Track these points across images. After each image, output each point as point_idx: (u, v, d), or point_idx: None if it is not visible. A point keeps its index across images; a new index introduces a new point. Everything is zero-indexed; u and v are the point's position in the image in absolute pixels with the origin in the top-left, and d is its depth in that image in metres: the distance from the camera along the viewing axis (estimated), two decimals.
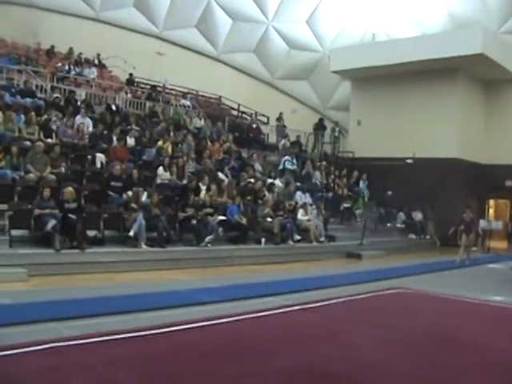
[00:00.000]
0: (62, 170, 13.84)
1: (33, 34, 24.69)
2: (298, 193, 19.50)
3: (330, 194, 21.88)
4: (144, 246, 12.81)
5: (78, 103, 18.99)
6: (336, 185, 22.87)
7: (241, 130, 24.55)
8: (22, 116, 15.09)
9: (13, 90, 17.66)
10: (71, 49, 24.96)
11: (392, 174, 23.55)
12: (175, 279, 11.45)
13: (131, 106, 22.11)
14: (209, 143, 20.06)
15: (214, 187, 16.15)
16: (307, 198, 19.45)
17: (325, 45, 31.42)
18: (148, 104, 22.68)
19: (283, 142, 24.31)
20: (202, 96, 28.81)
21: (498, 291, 12.50)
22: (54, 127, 15.77)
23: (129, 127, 18.17)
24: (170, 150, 17.59)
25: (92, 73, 23.39)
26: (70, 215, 11.79)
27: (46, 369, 5.43)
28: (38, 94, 18.70)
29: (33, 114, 15.14)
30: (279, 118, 26.50)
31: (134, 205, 13.28)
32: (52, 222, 11.27)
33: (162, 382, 5.41)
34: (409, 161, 24.55)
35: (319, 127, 27.69)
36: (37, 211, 11.52)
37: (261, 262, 14.80)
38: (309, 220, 17.85)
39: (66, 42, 24.92)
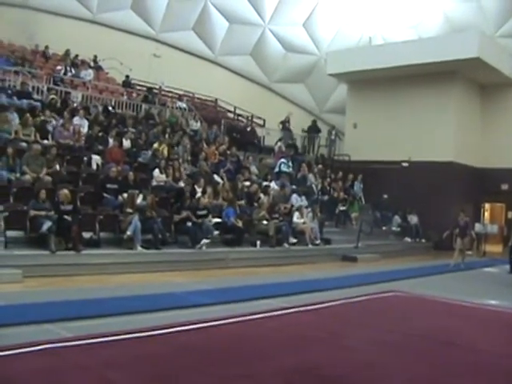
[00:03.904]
0: (57, 167, 13.86)
1: (29, 36, 24.63)
2: (294, 195, 19.48)
3: (326, 197, 21.88)
4: (139, 248, 12.82)
5: (75, 105, 18.98)
6: (332, 188, 22.87)
7: (237, 132, 24.55)
8: (15, 114, 15.10)
9: (9, 92, 17.65)
10: (68, 50, 24.92)
11: (388, 178, 23.59)
12: (170, 281, 11.45)
13: (127, 107, 22.08)
14: (205, 146, 20.06)
15: (209, 190, 16.18)
16: (303, 201, 19.45)
17: (321, 48, 31.41)
18: (144, 106, 22.65)
19: (279, 144, 24.28)
20: (198, 98, 28.79)
21: (493, 295, 12.50)
22: (50, 128, 15.76)
23: (125, 129, 18.17)
24: (165, 152, 17.62)
25: (88, 74, 23.33)
26: (66, 217, 11.78)
27: (42, 370, 5.42)
28: (35, 96, 18.68)
29: (28, 115, 15.15)
30: (286, 122, 26.26)
31: (129, 209, 13.27)
32: (47, 224, 11.27)
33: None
34: (404, 164, 24.58)
35: (313, 129, 27.65)
36: (32, 212, 11.51)
37: (256, 264, 14.79)
38: (304, 223, 17.85)
39: (63, 44, 24.82)
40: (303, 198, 19.78)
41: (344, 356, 6.82)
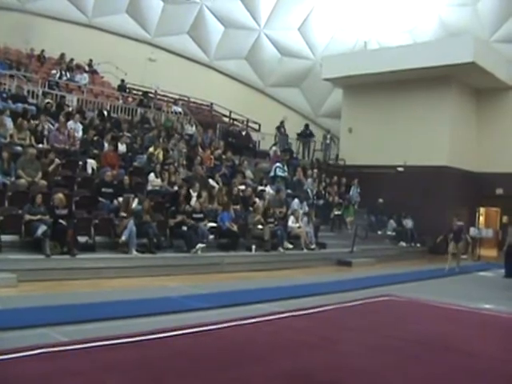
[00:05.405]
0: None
1: (25, 40, 24.61)
2: (296, 201, 19.43)
3: (321, 202, 21.88)
4: (135, 253, 12.79)
5: (70, 109, 18.96)
6: (327, 192, 22.87)
7: (232, 136, 24.56)
8: (10, 119, 15.08)
9: (4, 95, 17.64)
10: (63, 54, 24.92)
11: (383, 182, 23.61)
12: (165, 285, 11.43)
13: (123, 112, 22.06)
14: (200, 150, 20.05)
15: (204, 194, 16.14)
16: (305, 208, 19.41)
17: (317, 52, 31.48)
18: (139, 110, 22.64)
19: (274, 148, 24.29)
20: (194, 103, 28.79)
21: (488, 299, 12.53)
22: (45, 132, 15.74)
23: (120, 133, 18.14)
24: (161, 156, 17.59)
25: (84, 79, 23.33)
26: (61, 221, 11.75)
27: (38, 374, 5.42)
28: (30, 100, 18.66)
29: (20, 119, 15.11)
30: (281, 126, 26.28)
31: (123, 213, 13.24)
32: (42, 228, 11.23)
33: None
34: (400, 169, 24.64)
35: (305, 134, 27.54)
36: (27, 217, 11.48)
37: (251, 268, 14.78)
38: (299, 227, 17.84)
39: (58, 48, 24.84)
40: (304, 203, 19.77)
41: (338, 361, 6.82)
